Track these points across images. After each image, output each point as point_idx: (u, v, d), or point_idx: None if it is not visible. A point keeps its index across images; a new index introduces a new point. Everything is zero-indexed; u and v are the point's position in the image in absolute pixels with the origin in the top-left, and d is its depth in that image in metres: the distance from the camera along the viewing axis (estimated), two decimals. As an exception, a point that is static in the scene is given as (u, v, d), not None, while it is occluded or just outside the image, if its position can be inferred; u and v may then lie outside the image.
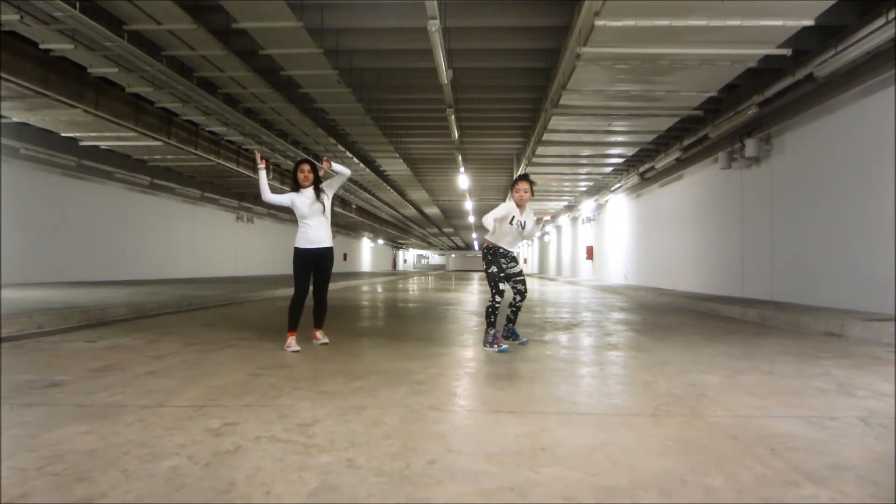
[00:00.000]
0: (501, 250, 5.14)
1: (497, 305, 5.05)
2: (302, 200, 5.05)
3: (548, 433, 2.52)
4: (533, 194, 5.23)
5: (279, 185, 19.90)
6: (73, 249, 14.37)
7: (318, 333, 5.18)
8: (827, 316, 6.53)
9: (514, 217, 5.09)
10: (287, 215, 27.00)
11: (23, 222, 12.66)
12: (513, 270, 5.25)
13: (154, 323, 6.80)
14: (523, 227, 5.14)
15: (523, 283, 5.32)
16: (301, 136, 15.15)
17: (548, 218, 5.62)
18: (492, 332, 4.98)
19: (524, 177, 5.26)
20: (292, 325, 4.92)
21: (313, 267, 5.05)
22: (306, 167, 5.13)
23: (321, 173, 5.26)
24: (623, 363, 4.37)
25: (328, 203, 5.13)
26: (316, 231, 5.03)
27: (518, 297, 5.34)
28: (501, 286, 5.07)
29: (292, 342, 4.83)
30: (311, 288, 5.10)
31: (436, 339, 5.60)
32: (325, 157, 5.38)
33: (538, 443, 2.38)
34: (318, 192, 5.07)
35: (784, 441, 2.43)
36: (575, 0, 8.09)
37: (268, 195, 5.05)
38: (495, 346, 4.90)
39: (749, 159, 10.26)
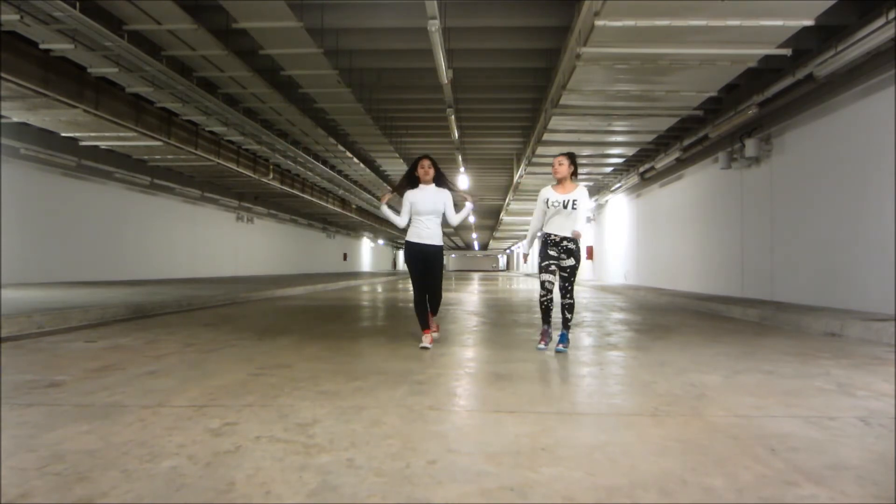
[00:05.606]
0: (551, 238, 4.85)
1: (542, 300, 4.87)
2: (421, 197, 5.05)
3: (548, 433, 2.52)
4: (575, 169, 4.90)
5: (279, 185, 19.90)
6: (74, 249, 14.36)
7: (432, 323, 5.16)
8: (827, 316, 6.52)
9: (548, 198, 4.87)
10: (286, 215, 26.95)
11: (23, 222, 12.66)
12: (564, 263, 4.79)
13: (154, 323, 6.80)
14: (565, 206, 4.77)
15: (566, 279, 4.80)
16: (301, 136, 15.16)
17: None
18: (542, 328, 4.92)
19: (565, 154, 4.95)
20: (422, 324, 5.04)
21: (422, 261, 5.04)
22: (426, 162, 5.10)
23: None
24: (623, 363, 4.37)
25: (448, 207, 5.10)
26: (427, 229, 5.04)
27: (561, 295, 4.85)
28: (542, 277, 4.83)
29: (424, 339, 4.95)
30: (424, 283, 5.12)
31: (436, 339, 5.59)
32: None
33: (538, 443, 2.38)
34: (441, 186, 5.08)
35: (784, 441, 2.43)
36: (575, 0, 8.10)
37: (401, 222, 5.18)
38: (541, 344, 4.84)
39: (749, 159, 10.26)
